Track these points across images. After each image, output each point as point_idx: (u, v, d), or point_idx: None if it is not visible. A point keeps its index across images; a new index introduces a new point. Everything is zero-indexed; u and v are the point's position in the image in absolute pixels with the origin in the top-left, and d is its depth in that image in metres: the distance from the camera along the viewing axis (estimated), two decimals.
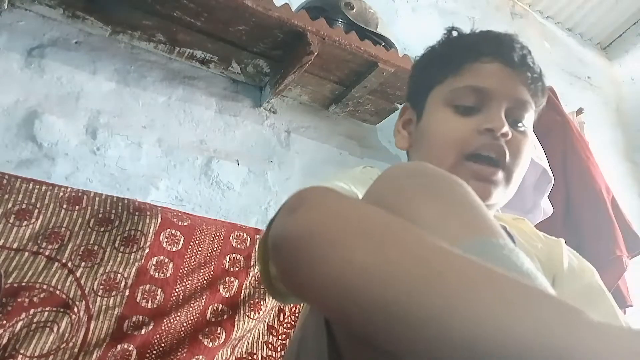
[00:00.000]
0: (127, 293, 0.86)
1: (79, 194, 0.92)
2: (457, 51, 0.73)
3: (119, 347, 0.81)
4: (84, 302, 0.82)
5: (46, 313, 0.78)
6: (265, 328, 0.99)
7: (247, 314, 0.95)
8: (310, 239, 0.36)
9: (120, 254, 0.89)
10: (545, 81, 0.75)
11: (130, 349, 0.82)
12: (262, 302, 0.97)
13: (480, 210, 0.40)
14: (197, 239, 0.98)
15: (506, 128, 0.65)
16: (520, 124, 0.69)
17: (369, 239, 0.33)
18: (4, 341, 0.73)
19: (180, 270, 0.93)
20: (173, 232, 0.96)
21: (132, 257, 0.89)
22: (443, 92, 0.71)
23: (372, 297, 0.30)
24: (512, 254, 0.34)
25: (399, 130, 0.79)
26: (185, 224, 0.99)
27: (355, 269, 0.32)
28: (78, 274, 0.84)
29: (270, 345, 0.98)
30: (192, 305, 0.91)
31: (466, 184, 0.43)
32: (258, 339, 0.97)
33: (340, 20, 1.26)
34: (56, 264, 0.83)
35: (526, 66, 0.71)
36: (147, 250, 0.91)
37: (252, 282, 0.99)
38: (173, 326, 0.87)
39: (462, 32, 0.76)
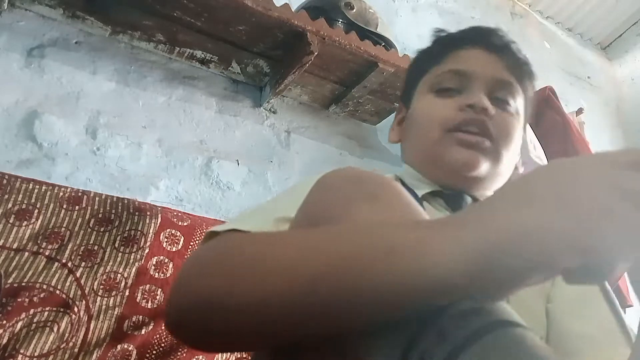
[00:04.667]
0: (127, 293, 0.86)
1: (79, 194, 0.92)
2: (441, 43, 0.78)
3: (119, 347, 0.81)
4: (84, 302, 0.82)
5: (46, 313, 0.78)
6: None
7: None
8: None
9: (120, 254, 0.89)
10: (533, 68, 0.76)
11: (130, 349, 0.82)
12: None
13: (414, 211, 0.40)
14: (197, 239, 0.98)
15: (486, 103, 0.66)
16: (507, 105, 0.70)
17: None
18: (4, 341, 0.73)
19: None
20: (173, 232, 0.96)
21: (132, 257, 0.89)
22: (427, 80, 0.74)
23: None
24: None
25: (393, 128, 0.83)
26: (185, 224, 0.99)
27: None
28: (78, 274, 0.84)
29: None
30: None
31: (399, 184, 0.43)
32: None
33: (340, 20, 1.26)
34: (56, 264, 0.83)
35: (508, 51, 0.72)
36: (147, 250, 0.91)
37: None
38: None
39: (449, 32, 0.81)
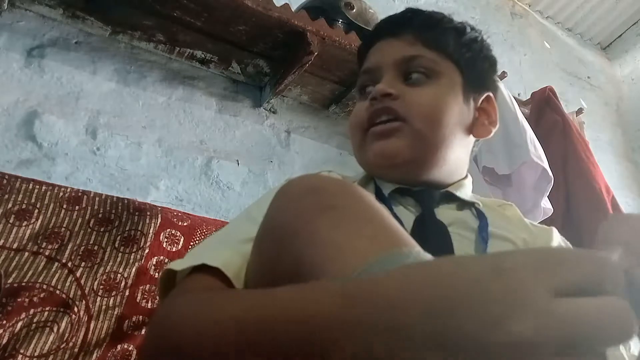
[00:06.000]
0: (127, 293, 0.86)
1: (79, 194, 0.92)
2: (360, 49, 0.78)
3: (119, 347, 0.81)
4: (84, 302, 0.82)
5: (46, 313, 0.78)
6: None
7: None
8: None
9: (120, 254, 0.89)
10: (449, 27, 0.71)
11: (130, 349, 0.82)
12: None
13: (381, 219, 0.39)
14: (197, 239, 0.98)
15: (384, 89, 0.65)
16: (423, 77, 0.67)
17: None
18: (4, 341, 0.73)
19: None
20: (173, 232, 0.96)
21: (132, 257, 0.89)
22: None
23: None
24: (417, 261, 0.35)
25: None
26: (185, 224, 0.99)
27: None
28: (78, 274, 0.84)
29: None
30: None
31: (364, 190, 0.43)
32: None
33: (340, 20, 1.26)
34: (56, 264, 0.83)
35: (407, 27, 0.70)
36: (147, 250, 0.91)
37: None
38: None
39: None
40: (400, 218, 0.57)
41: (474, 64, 0.71)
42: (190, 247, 0.97)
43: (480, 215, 0.64)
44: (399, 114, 0.64)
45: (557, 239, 0.67)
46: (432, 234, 0.59)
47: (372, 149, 0.66)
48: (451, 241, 0.59)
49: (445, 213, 0.64)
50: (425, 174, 0.66)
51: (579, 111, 1.81)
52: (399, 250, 0.35)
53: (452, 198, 0.67)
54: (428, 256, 0.35)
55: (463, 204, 0.67)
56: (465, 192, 0.69)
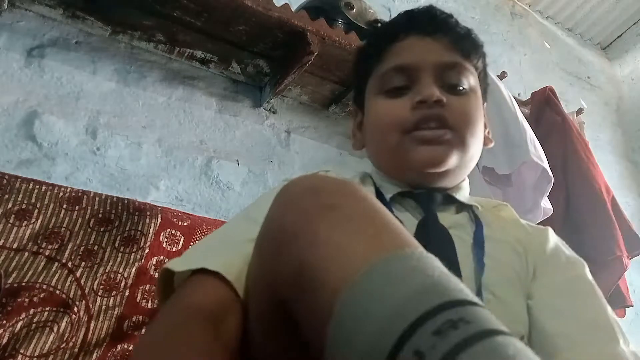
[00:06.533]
0: (127, 293, 0.86)
1: (79, 194, 0.92)
2: (376, 39, 0.74)
3: (119, 347, 0.81)
4: (84, 302, 0.82)
5: (46, 313, 0.78)
6: None
7: None
8: None
9: (120, 254, 0.89)
10: (477, 39, 0.72)
11: (130, 349, 0.82)
12: None
13: (382, 219, 0.39)
14: (197, 239, 0.98)
15: (438, 95, 0.63)
16: (459, 87, 0.67)
17: None
18: (4, 341, 0.73)
19: None
20: (173, 232, 0.96)
21: (132, 257, 0.89)
22: (374, 81, 0.71)
23: None
24: (420, 263, 0.34)
25: (354, 134, 0.78)
26: (185, 224, 0.99)
27: None
28: (78, 274, 0.84)
29: None
30: None
31: (364, 189, 0.42)
32: None
33: (340, 20, 1.26)
34: (56, 264, 0.83)
35: (446, 29, 0.69)
36: (147, 250, 0.91)
37: None
38: None
39: (382, 24, 0.76)
40: (402, 220, 0.57)
41: (486, 76, 0.74)
42: (190, 247, 0.97)
43: (476, 219, 0.65)
44: (448, 123, 0.64)
45: (552, 239, 0.67)
46: (435, 237, 0.60)
47: (419, 153, 0.64)
48: (454, 245, 0.59)
49: (444, 216, 0.64)
50: (448, 181, 0.67)
51: (579, 111, 1.81)
52: (401, 251, 0.35)
53: (451, 200, 0.67)
54: (431, 257, 0.35)
55: (461, 207, 0.67)
56: (464, 194, 0.70)
